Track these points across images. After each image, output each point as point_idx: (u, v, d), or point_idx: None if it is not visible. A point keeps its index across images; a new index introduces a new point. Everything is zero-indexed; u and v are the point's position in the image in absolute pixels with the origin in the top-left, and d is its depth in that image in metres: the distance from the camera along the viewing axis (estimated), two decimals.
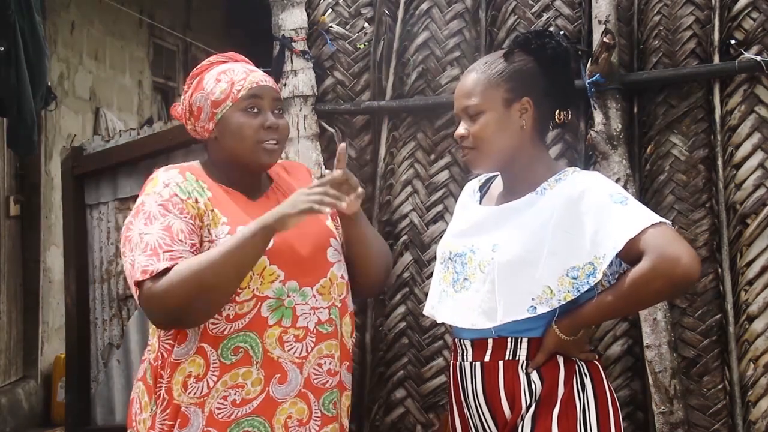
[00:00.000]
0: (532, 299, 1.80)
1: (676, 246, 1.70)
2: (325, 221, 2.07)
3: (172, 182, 1.93)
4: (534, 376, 1.82)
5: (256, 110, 1.96)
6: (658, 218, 1.75)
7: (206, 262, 1.81)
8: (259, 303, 1.90)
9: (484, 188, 2.05)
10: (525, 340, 1.84)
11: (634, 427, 2.60)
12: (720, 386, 2.52)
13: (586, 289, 1.77)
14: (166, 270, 1.80)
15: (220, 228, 1.91)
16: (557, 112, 1.92)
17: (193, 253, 1.85)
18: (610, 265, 1.88)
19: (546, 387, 1.80)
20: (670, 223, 1.78)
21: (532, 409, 1.80)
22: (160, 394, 1.94)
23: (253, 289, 1.90)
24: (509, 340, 1.85)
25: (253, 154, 1.96)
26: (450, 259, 1.96)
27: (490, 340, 1.87)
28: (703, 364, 2.54)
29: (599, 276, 1.76)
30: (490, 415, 1.86)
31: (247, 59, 2.09)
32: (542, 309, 1.79)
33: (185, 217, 1.88)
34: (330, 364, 1.98)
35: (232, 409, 1.89)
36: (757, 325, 2.48)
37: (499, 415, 1.85)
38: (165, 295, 1.79)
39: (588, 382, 1.82)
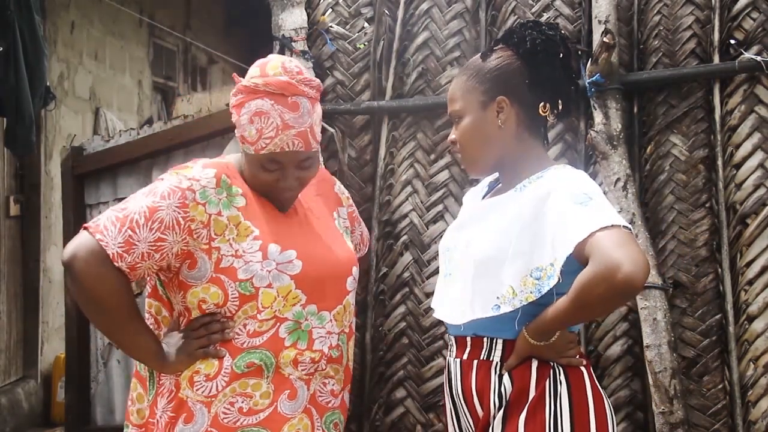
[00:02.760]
0: (497, 298, 1.78)
1: (620, 251, 1.61)
2: (347, 244, 2.07)
3: (200, 183, 1.89)
4: (505, 378, 1.79)
5: (274, 169, 1.92)
6: (611, 221, 1.67)
7: (105, 322, 1.92)
8: (278, 324, 1.90)
9: (495, 184, 2.04)
10: (500, 341, 1.82)
11: (634, 427, 2.60)
12: (720, 386, 2.52)
13: (546, 291, 1.73)
14: (105, 255, 1.80)
15: (249, 242, 1.88)
16: (541, 105, 1.87)
17: (152, 245, 1.83)
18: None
19: (515, 390, 1.78)
20: (629, 226, 1.70)
21: (501, 412, 1.78)
22: (164, 383, 1.94)
23: (275, 310, 1.89)
24: (485, 340, 1.84)
25: (267, 196, 1.97)
26: (443, 253, 1.98)
27: (468, 338, 1.87)
28: (703, 364, 2.54)
29: (556, 279, 1.71)
30: (468, 412, 1.87)
31: (293, 91, 1.91)
32: (505, 308, 1.77)
33: (179, 212, 1.85)
34: (333, 384, 1.99)
35: (238, 416, 1.89)
36: (757, 325, 2.48)
37: (474, 414, 1.85)
38: (84, 280, 1.82)
39: (563, 387, 1.77)
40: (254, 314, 1.89)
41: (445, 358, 2.71)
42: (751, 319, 2.49)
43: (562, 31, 1.97)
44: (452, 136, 1.94)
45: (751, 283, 2.50)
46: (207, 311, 1.91)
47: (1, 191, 5.39)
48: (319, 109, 1.95)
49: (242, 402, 1.89)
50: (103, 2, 6.65)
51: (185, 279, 1.91)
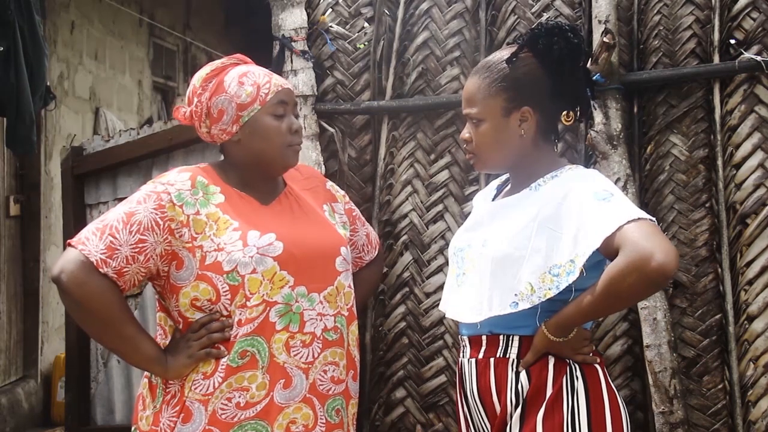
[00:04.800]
0: (515, 295, 1.80)
1: (652, 240, 1.66)
2: (337, 228, 2.08)
3: (175, 186, 1.95)
4: (522, 375, 1.81)
5: (282, 114, 1.99)
6: (638, 214, 1.72)
7: (99, 331, 1.95)
8: (268, 308, 1.91)
9: (503, 186, 2.06)
10: (516, 338, 1.84)
11: (634, 427, 2.59)
12: (720, 386, 2.52)
13: (564, 287, 1.76)
14: (90, 263, 1.85)
15: (229, 234, 1.91)
16: (564, 114, 1.90)
17: (134, 248, 1.87)
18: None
19: (532, 387, 1.79)
20: (654, 219, 1.75)
21: (519, 410, 1.79)
22: (170, 390, 1.95)
23: (263, 295, 1.91)
24: (501, 337, 1.85)
25: (281, 156, 2.00)
26: (455, 254, 2.00)
27: (484, 337, 1.88)
28: (703, 364, 2.54)
29: (577, 274, 1.74)
30: (484, 411, 1.87)
31: (252, 62, 2.10)
32: (523, 305, 1.79)
33: (156, 213, 1.90)
34: (334, 371, 1.99)
35: (236, 411, 1.90)
36: (757, 325, 2.48)
37: (491, 412, 1.86)
38: (70, 289, 1.88)
39: (580, 384, 1.79)
40: (243, 303, 1.90)
41: (445, 359, 2.72)
42: (751, 319, 2.49)
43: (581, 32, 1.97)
44: (466, 135, 1.93)
45: (751, 283, 2.50)
46: (202, 308, 1.92)
47: (1, 191, 5.39)
48: None
49: (239, 396, 1.90)
50: (103, 2, 6.65)
51: (175, 281, 1.94)
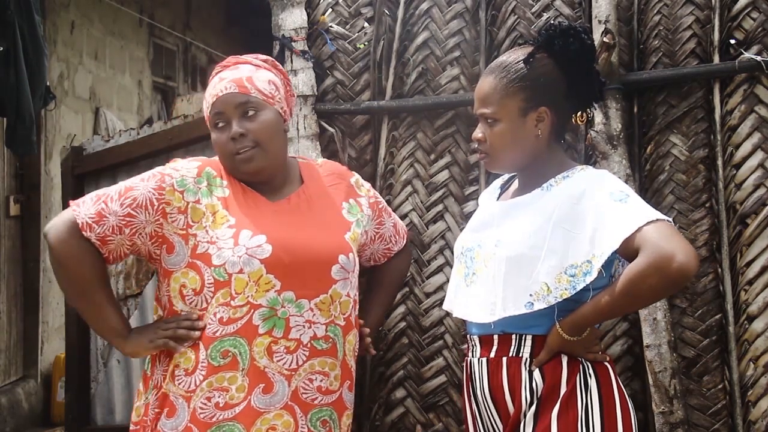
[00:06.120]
0: (530, 295, 1.81)
1: (672, 242, 1.69)
2: (344, 234, 2.05)
3: (180, 172, 1.98)
4: (536, 374, 1.82)
5: (222, 124, 1.99)
6: (656, 215, 1.75)
7: (70, 290, 1.98)
8: (252, 310, 1.90)
9: (506, 185, 2.07)
10: (529, 337, 1.85)
11: None
12: (720, 386, 2.52)
13: (581, 288, 1.78)
14: (75, 224, 1.90)
15: (223, 230, 1.92)
16: (578, 114, 1.93)
17: (122, 220, 1.91)
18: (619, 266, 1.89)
19: (547, 386, 1.81)
20: (671, 220, 1.77)
21: (533, 408, 1.80)
22: (155, 382, 1.98)
23: (248, 296, 1.90)
24: (514, 336, 1.86)
25: (231, 165, 2.01)
26: (462, 253, 2.00)
27: (495, 336, 1.88)
28: (703, 364, 2.54)
29: (595, 274, 1.76)
30: (496, 410, 1.88)
31: (236, 60, 2.09)
32: (539, 305, 1.80)
33: (153, 194, 1.94)
34: (322, 381, 1.96)
35: (214, 411, 1.89)
36: (757, 325, 2.48)
37: (503, 411, 1.87)
38: (53, 245, 1.92)
39: (593, 382, 1.81)
40: (227, 301, 1.90)
41: (445, 359, 2.72)
42: (751, 319, 2.49)
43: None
44: (479, 134, 1.93)
45: (751, 283, 2.50)
46: (185, 298, 1.94)
47: (1, 191, 5.39)
48: (268, 74, 2.04)
49: (219, 396, 1.89)
50: (103, 2, 6.65)
51: (167, 266, 1.96)
